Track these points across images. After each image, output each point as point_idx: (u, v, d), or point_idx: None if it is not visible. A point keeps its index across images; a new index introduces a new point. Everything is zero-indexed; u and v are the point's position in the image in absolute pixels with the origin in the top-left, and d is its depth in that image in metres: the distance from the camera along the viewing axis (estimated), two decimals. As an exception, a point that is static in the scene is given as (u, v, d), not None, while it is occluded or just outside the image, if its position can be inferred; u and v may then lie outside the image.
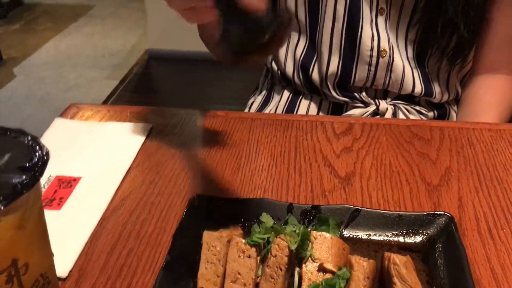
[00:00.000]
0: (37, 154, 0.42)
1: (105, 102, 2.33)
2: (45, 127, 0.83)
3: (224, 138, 0.80)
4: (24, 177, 0.40)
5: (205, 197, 0.62)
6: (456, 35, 0.86)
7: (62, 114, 0.88)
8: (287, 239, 0.50)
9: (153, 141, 0.79)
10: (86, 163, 0.74)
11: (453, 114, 1.01)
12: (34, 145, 0.44)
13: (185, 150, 0.77)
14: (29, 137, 0.45)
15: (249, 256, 0.50)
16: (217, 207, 0.61)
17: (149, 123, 0.83)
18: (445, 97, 0.96)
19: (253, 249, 0.50)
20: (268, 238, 0.51)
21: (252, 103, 1.10)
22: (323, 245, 0.51)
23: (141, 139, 0.79)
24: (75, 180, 0.70)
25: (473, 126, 0.81)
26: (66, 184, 0.69)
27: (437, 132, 0.80)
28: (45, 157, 0.42)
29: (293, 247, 0.49)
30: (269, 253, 0.50)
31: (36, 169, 0.41)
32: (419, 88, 0.93)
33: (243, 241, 0.51)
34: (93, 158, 0.75)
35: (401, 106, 0.96)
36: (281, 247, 0.49)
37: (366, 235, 0.57)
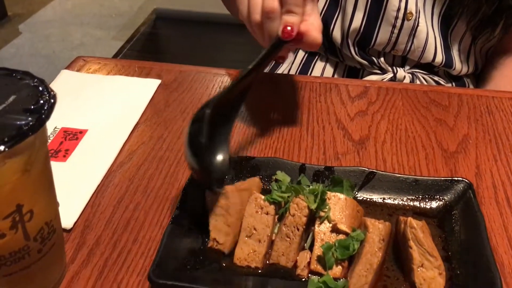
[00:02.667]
0: (44, 96, 0.40)
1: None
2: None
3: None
4: (30, 119, 0.38)
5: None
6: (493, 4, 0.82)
7: (69, 67, 0.85)
8: (306, 199, 0.48)
9: (162, 97, 0.77)
10: (93, 116, 0.72)
11: (471, 87, 0.98)
12: (40, 87, 0.41)
13: (195, 107, 0.75)
14: (36, 80, 0.42)
15: (267, 213, 0.49)
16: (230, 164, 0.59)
17: (158, 78, 0.81)
18: (464, 70, 0.94)
19: (272, 206, 0.49)
20: (288, 197, 0.49)
21: (264, 63, 1.07)
22: (337, 206, 0.50)
23: (149, 94, 0.77)
24: (81, 132, 0.68)
25: (492, 94, 0.79)
26: (72, 136, 0.68)
27: (455, 99, 0.77)
28: (52, 100, 0.40)
29: (313, 206, 0.48)
30: (287, 212, 0.48)
31: (43, 111, 0.39)
32: (440, 58, 0.90)
33: (263, 197, 0.49)
34: (100, 111, 0.73)
35: (419, 75, 0.93)
36: (300, 206, 0.48)
37: (381, 198, 0.56)
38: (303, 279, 0.47)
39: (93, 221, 0.55)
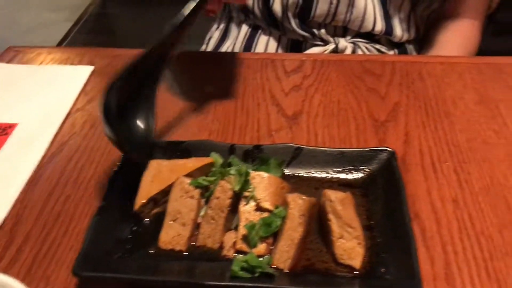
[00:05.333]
0: None
1: (59, 45, 2.22)
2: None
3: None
4: None
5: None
6: None
7: (-1, 58, 0.83)
8: (231, 180, 0.49)
9: (94, 84, 0.76)
10: (24, 109, 0.70)
11: (414, 54, 0.99)
12: None
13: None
14: None
15: (192, 197, 0.49)
16: (159, 150, 0.59)
17: (91, 65, 0.79)
18: (405, 37, 0.95)
19: (197, 190, 0.50)
20: (215, 180, 0.50)
21: (209, 39, 1.06)
22: (261, 184, 0.50)
23: (81, 82, 0.75)
24: (11, 127, 0.67)
25: (425, 60, 0.80)
26: (1, 131, 0.66)
27: (389, 67, 0.78)
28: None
29: (237, 188, 0.48)
30: (213, 195, 0.49)
31: None
32: (379, 26, 0.91)
33: (188, 181, 0.50)
34: (31, 104, 0.71)
35: (360, 44, 0.94)
36: (224, 189, 0.49)
37: (308, 172, 0.57)
38: (229, 259, 0.48)
39: (23, 216, 0.55)
